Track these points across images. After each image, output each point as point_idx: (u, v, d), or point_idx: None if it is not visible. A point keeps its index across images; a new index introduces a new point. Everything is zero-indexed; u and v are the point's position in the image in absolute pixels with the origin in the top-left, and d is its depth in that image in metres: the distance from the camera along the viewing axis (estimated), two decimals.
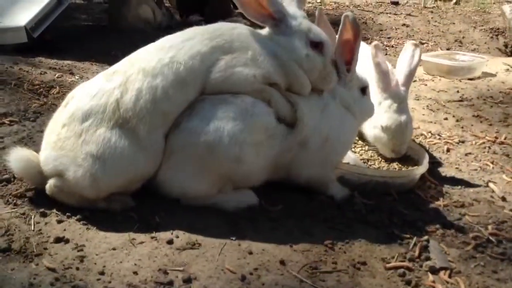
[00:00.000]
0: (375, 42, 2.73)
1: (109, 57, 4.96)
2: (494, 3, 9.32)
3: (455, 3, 10.72)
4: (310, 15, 2.30)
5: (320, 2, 10.36)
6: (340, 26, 2.21)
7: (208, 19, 6.26)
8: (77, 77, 3.94)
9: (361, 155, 2.82)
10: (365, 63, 2.63)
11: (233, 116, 2.03)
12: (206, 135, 2.00)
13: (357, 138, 2.94)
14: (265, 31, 2.23)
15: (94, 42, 5.48)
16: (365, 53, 2.65)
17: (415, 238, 2.06)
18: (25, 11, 4.74)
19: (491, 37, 7.27)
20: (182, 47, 2.06)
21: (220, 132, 2.00)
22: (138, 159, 1.99)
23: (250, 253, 1.86)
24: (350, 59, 2.28)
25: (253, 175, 2.16)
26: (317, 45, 2.16)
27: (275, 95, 2.13)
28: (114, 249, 1.82)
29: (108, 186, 1.99)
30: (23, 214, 1.99)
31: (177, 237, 1.91)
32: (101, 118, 1.94)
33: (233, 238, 1.94)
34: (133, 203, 2.09)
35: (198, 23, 5.16)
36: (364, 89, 2.37)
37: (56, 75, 3.86)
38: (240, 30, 2.18)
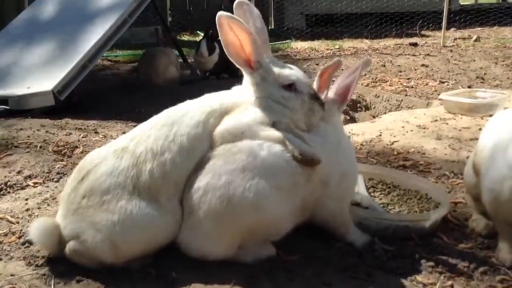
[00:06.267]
0: None
1: (133, 114, 5.14)
2: None
3: (475, 41, 10.75)
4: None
5: (338, 48, 10.53)
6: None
7: (232, 76, 6.94)
8: (101, 136, 4.07)
9: (380, 199, 2.77)
10: None
11: (242, 164, 2.03)
12: (220, 190, 2.01)
13: (376, 182, 2.92)
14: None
15: (119, 101, 5.70)
16: None
17: (438, 284, 1.99)
18: (51, 75, 4.98)
19: None
20: (182, 121, 2.17)
21: (231, 183, 2.00)
22: (159, 227, 2.05)
23: None
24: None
25: (279, 222, 2.11)
26: (289, 86, 2.24)
27: (285, 133, 2.15)
28: None
29: (127, 253, 2.04)
30: (44, 275, 2.02)
31: None
32: (121, 193, 2.04)
33: None
34: (152, 260, 2.10)
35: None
36: None
37: (81, 135, 4.00)
38: (226, 94, 2.32)
